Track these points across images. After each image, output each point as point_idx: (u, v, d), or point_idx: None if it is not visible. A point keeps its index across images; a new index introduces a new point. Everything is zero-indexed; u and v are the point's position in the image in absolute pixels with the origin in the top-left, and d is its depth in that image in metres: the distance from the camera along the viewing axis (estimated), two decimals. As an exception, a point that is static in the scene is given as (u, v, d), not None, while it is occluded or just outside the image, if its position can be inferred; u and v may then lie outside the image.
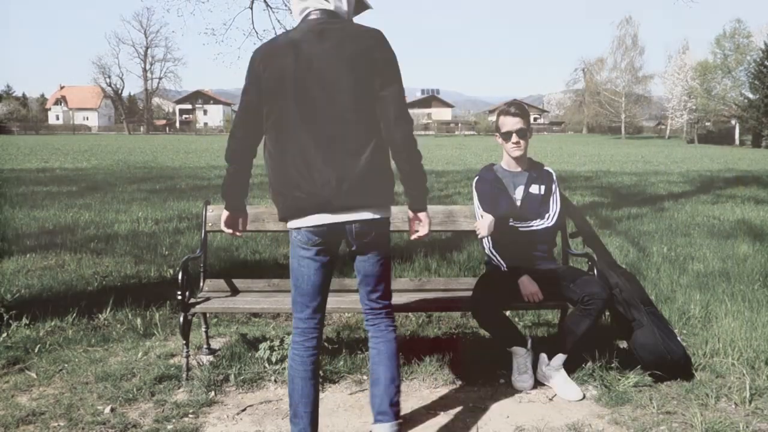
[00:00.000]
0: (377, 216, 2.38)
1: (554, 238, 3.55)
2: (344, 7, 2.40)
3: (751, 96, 54.74)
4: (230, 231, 2.71)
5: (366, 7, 2.57)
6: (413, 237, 2.59)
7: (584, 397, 3.17)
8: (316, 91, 2.28)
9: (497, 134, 3.51)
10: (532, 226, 3.42)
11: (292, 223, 2.40)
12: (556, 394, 3.21)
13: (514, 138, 3.41)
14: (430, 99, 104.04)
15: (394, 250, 6.28)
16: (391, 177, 2.41)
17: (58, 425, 2.83)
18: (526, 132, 3.42)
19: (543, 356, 3.34)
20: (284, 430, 2.85)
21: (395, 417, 2.45)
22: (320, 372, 2.78)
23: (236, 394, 3.21)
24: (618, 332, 3.58)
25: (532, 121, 3.57)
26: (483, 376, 3.41)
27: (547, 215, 3.46)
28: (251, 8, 12.40)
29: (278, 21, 13.63)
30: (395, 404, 2.46)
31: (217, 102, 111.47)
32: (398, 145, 2.34)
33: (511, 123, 3.42)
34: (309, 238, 2.37)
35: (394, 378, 2.47)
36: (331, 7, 2.36)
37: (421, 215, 2.53)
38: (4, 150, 29.39)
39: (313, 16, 2.36)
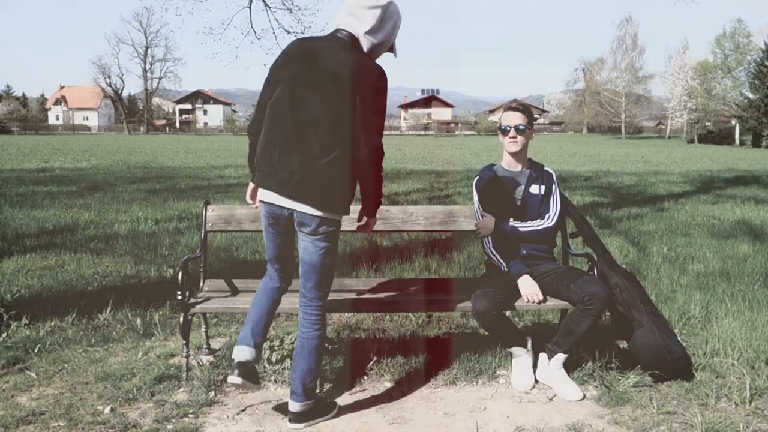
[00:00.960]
0: (320, 213, 2.67)
1: (554, 238, 3.55)
2: (374, 40, 2.71)
3: (751, 96, 54.74)
4: (253, 203, 3.02)
5: (391, 51, 2.88)
6: (356, 228, 3.10)
7: (584, 397, 3.17)
8: (310, 94, 2.62)
9: (499, 131, 3.52)
10: (532, 226, 3.42)
11: (259, 195, 2.79)
12: (556, 394, 3.21)
13: (512, 132, 3.41)
14: (430, 99, 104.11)
15: (394, 250, 6.30)
16: (344, 189, 2.69)
17: (58, 425, 2.83)
18: (525, 129, 3.42)
19: (543, 356, 3.34)
20: (284, 430, 2.85)
21: (307, 398, 2.83)
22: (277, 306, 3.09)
23: (236, 394, 3.20)
24: (618, 332, 3.58)
25: (533, 121, 3.57)
26: (483, 376, 3.41)
27: (547, 215, 3.45)
28: (250, 8, 12.41)
29: (276, 20, 13.59)
30: (309, 389, 2.84)
31: (217, 102, 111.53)
32: (360, 162, 2.68)
33: (510, 118, 3.44)
34: (266, 212, 2.76)
35: (311, 369, 2.83)
36: (360, 37, 2.69)
37: (367, 218, 3.01)
38: (4, 150, 29.40)
39: (340, 34, 2.69)
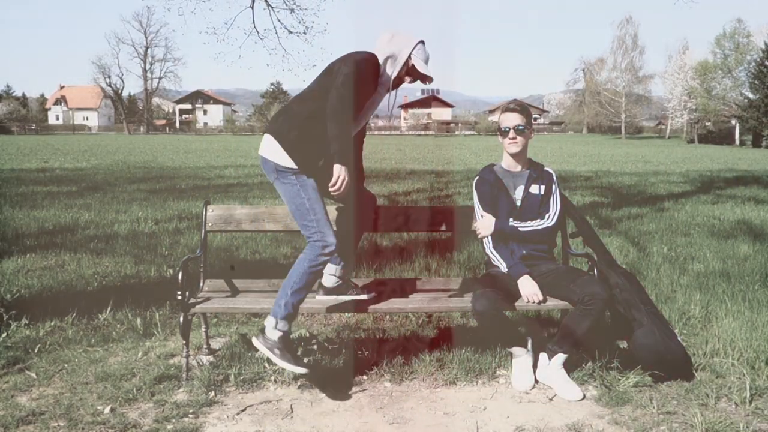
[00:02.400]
0: (264, 155, 3.11)
1: (554, 238, 3.55)
2: (383, 54, 3.21)
3: (751, 96, 54.72)
4: None
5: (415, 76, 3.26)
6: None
7: (584, 397, 3.17)
8: None
9: (498, 132, 3.52)
10: (532, 226, 3.42)
11: None
12: (556, 394, 3.21)
13: (511, 134, 3.42)
14: (430, 99, 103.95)
15: (394, 250, 6.30)
16: (289, 136, 3.04)
17: (58, 425, 2.83)
18: (524, 129, 3.43)
19: (543, 356, 3.34)
20: (284, 430, 2.85)
21: (273, 314, 3.08)
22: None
23: (236, 394, 3.21)
24: (618, 332, 3.57)
25: (532, 121, 3.58)
26: (483, 376, 3.41)
27: (547, 215, 3.45)
28: (252, 8, 12.39)
29: (279, 20, 13.53)
30: (278, 305, 3.08)
31: (217, 102, 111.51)
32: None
33: (509, 119, 3.44)
34: None
35: (285, 285, 3.10)
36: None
37: (335, 167, 2.99)
38: (4, 150, 29.39)
39: None
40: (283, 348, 3.04)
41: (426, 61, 3.32)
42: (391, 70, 3.25)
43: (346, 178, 2.97)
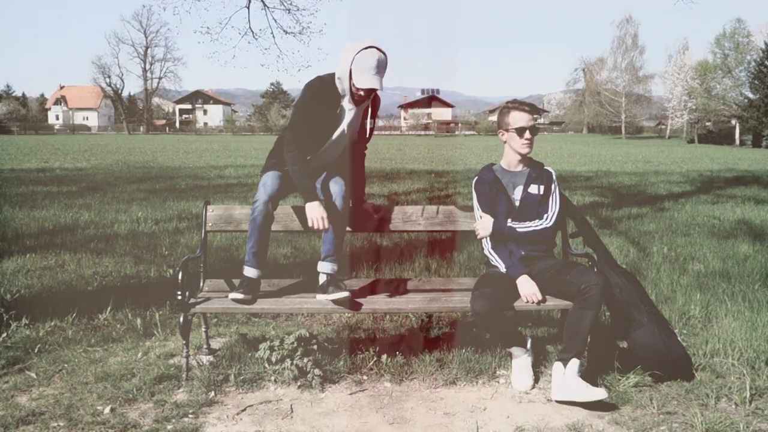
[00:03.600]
0: None
1: (553, 238, 3.55)
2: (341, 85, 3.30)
3: (751, 96, 54.74)
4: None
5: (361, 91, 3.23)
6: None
7: (608, 394, 3.08)
8: None
9: (503, 130, 3.47)
10: (530, 226, 3.40)
11: None
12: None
13: (527, 134, 3.38)
14: (430, 99, 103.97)
15: (394, 250, 6.30)
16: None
17: (58, 425, 2.83)
18: (537, 129, 3.42)
19: (558, 365, 3.16)
20: (284, 430, 2.85)
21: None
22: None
23: (236, 394, 3.20)
24: (618, 332, 3.57)
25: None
26: (483, 376, 3.41)
27: (545, 215, 3.44)
28: (248, 7, 12.35)
29: (275, 20, 13.43)
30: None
31: (216, 102, 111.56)
32: None
33: (525, 119, 3.39)
34: None
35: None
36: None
37: (306, 207, 3.34)
38: (3, 150, 29.38)
39: None
40: (242, 283, 3.38)
41: (375, 68, 3.09)
42: (344, 87, 3.21)
43: (317, 217, 3.22)
